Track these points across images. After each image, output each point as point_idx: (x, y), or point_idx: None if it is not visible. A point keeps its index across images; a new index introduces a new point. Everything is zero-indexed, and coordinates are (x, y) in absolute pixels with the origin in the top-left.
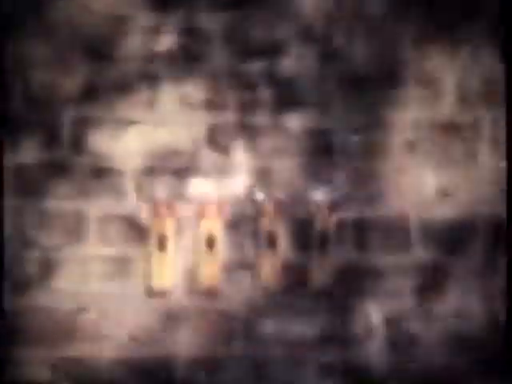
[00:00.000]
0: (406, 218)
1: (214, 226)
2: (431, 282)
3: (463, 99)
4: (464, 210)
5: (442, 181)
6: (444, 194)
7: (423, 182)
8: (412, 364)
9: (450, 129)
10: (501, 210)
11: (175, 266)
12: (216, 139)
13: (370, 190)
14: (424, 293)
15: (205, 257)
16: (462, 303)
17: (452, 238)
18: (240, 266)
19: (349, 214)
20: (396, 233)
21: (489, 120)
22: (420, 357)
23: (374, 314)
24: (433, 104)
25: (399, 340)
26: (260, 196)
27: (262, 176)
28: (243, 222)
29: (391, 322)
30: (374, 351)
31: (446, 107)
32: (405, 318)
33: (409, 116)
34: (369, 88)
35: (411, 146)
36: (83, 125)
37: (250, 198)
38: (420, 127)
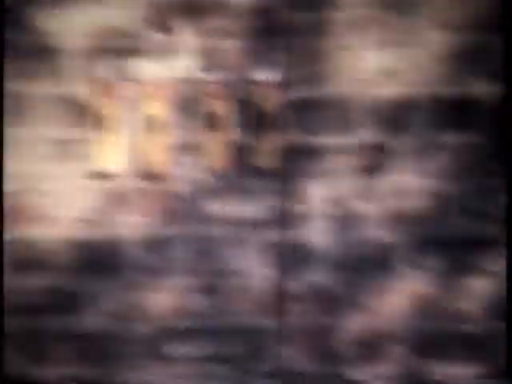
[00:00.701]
0: (349, 98)
1: (159, 107)
2: (372, 162)
3: None
4: (407, 89)
5: (386, 60)
6: (387, 73)
7: (367, 62)
8: (352, 241)
9: (394, 6)
10: (444, 88)
11: (120, 148)
12: (159, 19)
13: (314, 71)
14: (365, 172)
15: (150, 139)
16: (402, 181)
17: (394, 117)
18: (185, 147)
19: (293, 94)
20: (339, 113)
21: None
22: (360, 234)
23: (316, 193)
24: None
25: (341, 219)
26: (205, 77)
27: (207, 56)
28: (188, 104)
29: (333, 202)
30: (316, 230)
31: None
32: (346, 197)
33: None
34: None
35: (355, 24)
36: (26, 2)
37: (194, 78)
38: (364, 4)
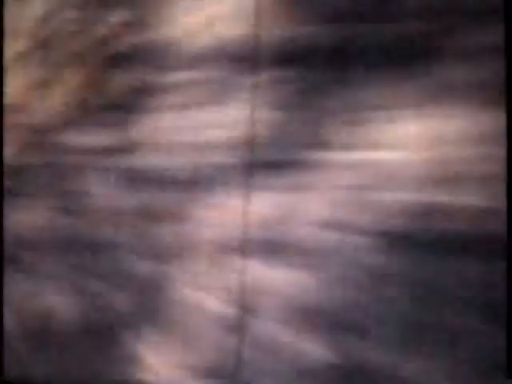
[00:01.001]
0: (177, 42)
1: (19, 43)
2: (192, 98)
3: None
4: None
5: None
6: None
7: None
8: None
9: None
10: None
11: None
12: None
13: (162, 11)
14: (186, 108)
15: (9, 73)
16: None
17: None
18: (43, 82)
19: (142, 37)
20: (172, 54)
21: None
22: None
23: (151, 125)
24: None
25: (178, 146)
26: (62, 15)
27: None
28: (46, 40)
29: (164, 132)
30: (158, 155)
31: None
32: (175, 128)
33: None
34: None
35: None
36: None
37: (52, 17)
38: None
